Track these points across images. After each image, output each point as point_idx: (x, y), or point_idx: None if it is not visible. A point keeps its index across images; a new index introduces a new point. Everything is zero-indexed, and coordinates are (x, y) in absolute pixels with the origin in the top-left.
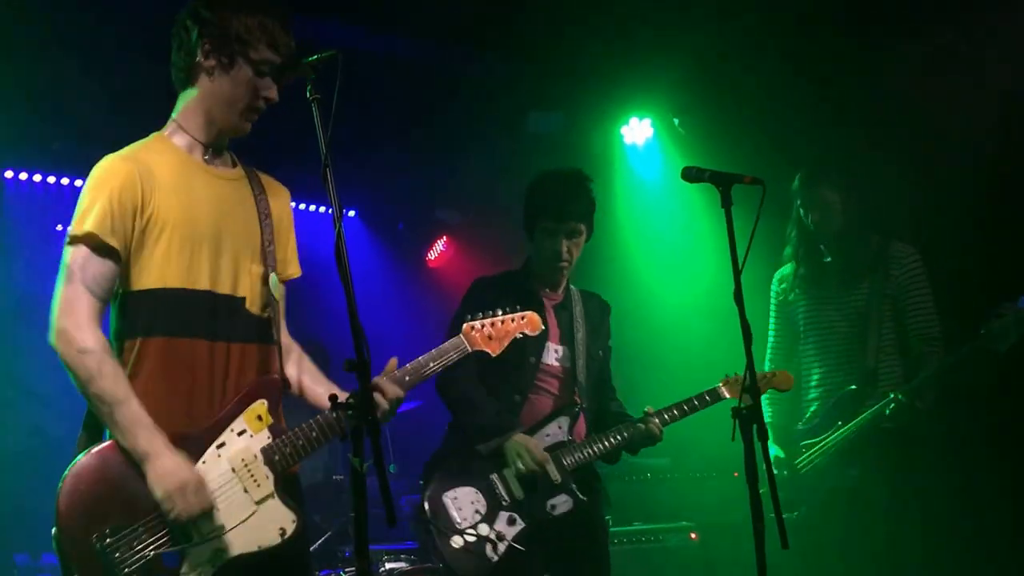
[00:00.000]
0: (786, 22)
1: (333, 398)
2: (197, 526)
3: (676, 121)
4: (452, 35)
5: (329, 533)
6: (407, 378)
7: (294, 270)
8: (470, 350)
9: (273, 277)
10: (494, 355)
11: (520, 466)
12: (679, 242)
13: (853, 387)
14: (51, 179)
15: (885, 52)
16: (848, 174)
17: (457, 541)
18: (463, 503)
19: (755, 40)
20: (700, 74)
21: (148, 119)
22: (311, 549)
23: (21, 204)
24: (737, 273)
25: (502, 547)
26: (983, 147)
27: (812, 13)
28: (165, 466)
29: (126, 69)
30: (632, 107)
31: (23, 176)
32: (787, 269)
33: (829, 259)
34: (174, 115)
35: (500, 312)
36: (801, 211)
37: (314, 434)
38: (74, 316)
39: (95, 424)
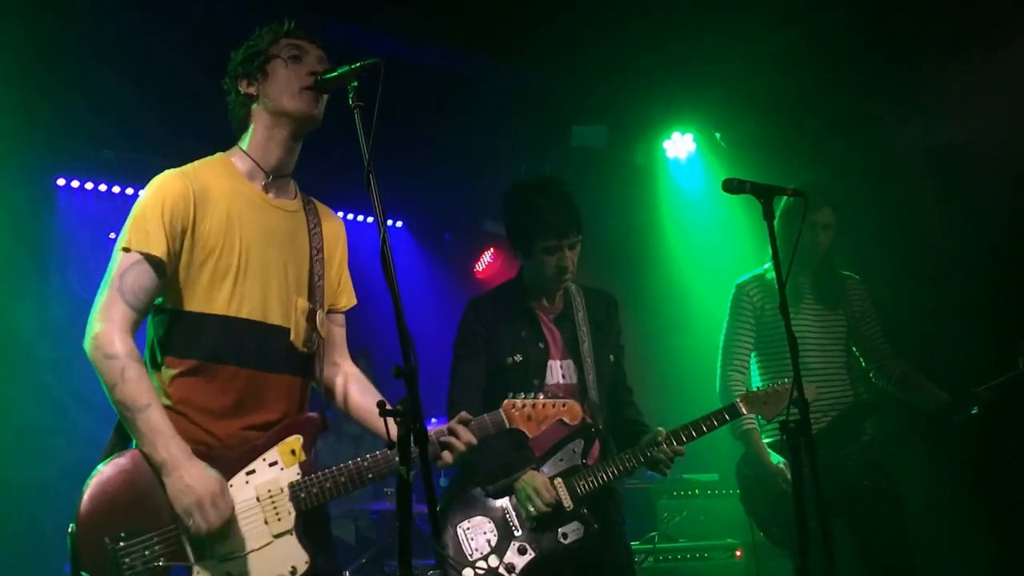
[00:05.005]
0: (826, 35)
1: (381, 404)
2: (212, 545)
3: (718, 135)
4: (499, 48)
5: (376, 548)
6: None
7: (348, 300)
8: (507, 426)
9: (320, 314)
10: (531, 436)
11: (531, 509)
12: (723, 254)
13: (862, 399)
14: (103, 187)
15: (926, 64)
16: (840, 197)
17: (468, 574)
18: (475, 533)
19: (795, 53)
20: (741, 88)
21: (199, 127)
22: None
23: (74, 212)
24: (782, 286)
25: None
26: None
27: (853, 26)
28: (183, 478)
29: (178, 78)
30: (674, 121)
31: (75, 184)
32: (760, 278)
33: (807, 278)
34: (239, 144)
35: (541, 396)
36: (801, 226)
37: (343, 479)
38: (108, 322)
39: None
